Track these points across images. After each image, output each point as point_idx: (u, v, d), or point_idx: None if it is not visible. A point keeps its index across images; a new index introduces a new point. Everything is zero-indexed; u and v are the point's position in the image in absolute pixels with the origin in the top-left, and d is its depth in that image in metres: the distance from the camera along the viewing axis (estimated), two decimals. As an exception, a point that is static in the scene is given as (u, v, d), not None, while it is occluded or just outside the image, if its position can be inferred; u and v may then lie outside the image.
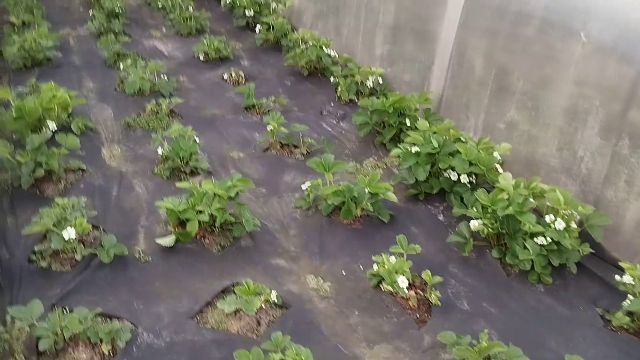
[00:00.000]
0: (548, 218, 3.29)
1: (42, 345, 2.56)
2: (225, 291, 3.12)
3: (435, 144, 3.86)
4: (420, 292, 3.17)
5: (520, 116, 4.06)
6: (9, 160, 3.79)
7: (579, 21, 3.52)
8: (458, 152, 3.82)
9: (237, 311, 2.93)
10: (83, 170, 4.12)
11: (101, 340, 2.63)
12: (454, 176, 3.89)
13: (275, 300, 2.97)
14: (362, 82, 5.46)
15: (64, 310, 2.78)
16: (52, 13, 7.83)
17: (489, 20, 4.24)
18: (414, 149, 3.92)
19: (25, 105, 4.33)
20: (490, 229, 3.39)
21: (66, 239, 3.09)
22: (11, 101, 4.40)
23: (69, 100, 4.64)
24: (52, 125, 4.29)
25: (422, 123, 4.13)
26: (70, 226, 3.13)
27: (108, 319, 2.83)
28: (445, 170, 3.91)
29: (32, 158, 3.78)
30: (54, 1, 8.49)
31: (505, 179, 3.48)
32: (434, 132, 4.01)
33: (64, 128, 4.48)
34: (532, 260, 3.28)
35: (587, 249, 3.35)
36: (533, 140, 3.97)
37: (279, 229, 3.70)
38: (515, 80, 4.05)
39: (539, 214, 3.46)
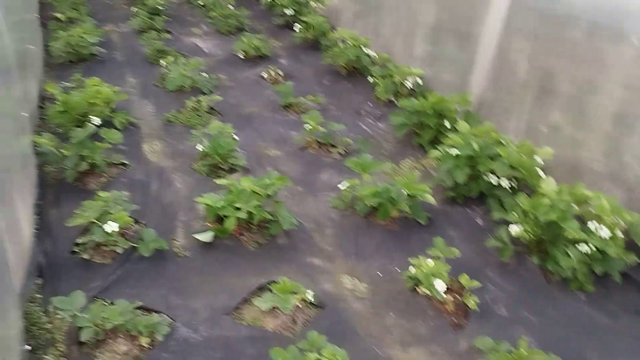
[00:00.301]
0: (592, 225, 3.20)
1: (84, 336, 2.61)
2: (261, 288, 3.13)
3: (476, 147, 3.80)
4: (458, 297, 3.13)
5: (564, 120, 3.97)
6: (55, 153, 3.88)
7: (631, 23, 3.41)
8: (499, 155, 3.75)
9: (273, 309, 2.94)
10: (124, 165, 4.20)
11: (140, 333, 2.68)
12: (494, 180, 3.81)
13: (311, 300, 2.97)
14: (400, 82, 5.41)
15: (105, 302, 2.83)
16: (97, 10, 8.00)
17: (534, 23, 4.15)
18: (454, 151, 3.86)
19: (70, 99, 4.44)
20: (530, 235, 3.32)
21: (108, 232, 3.16)
22: (57, 95, 4.51)
23: (112, 95, 4.74)
24: (96, 120, 4.37)
25: (462, 125, 4.07)
26: (112, 219, 3.19)
27: (147, 312, 2.87)
28: (485, 173, 3.84)
29: (76, 152, 3.87)
30: (98, -2, 8.70)
31: (548, 184, 3.41)
32: (474, 135, 3.95)
33: (107, 123, 4.57)
34: (574, 268, 3.19)
35: (633, 259, 3.24)
36: (577, 145, 3.87)
37: (315, 228, 3.70)
38: (559, 83, 3.96)
39: (581, 221, 3.37)
